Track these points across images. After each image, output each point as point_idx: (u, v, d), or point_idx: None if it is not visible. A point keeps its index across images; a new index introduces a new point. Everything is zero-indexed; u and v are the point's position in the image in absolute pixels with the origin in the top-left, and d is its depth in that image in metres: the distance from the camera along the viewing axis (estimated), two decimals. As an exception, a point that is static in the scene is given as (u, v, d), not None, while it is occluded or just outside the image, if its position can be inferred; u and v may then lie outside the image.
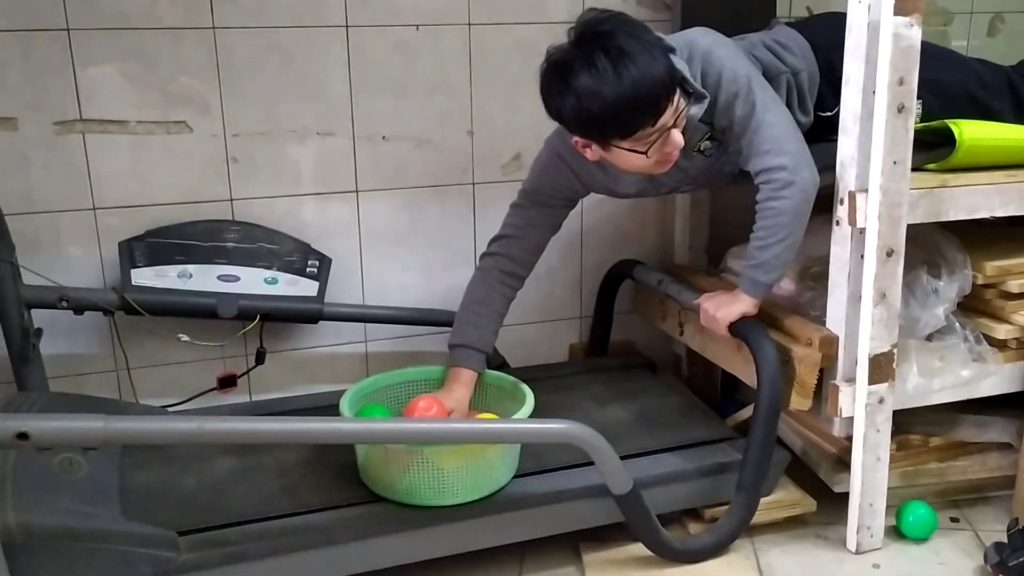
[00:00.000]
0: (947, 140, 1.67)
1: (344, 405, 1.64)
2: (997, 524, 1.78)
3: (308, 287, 1.96)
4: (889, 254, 1.58)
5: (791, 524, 1.79)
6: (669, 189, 1.79)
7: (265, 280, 1.93)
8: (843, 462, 1.78)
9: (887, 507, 1.72)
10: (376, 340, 2.16)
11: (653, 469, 1.69)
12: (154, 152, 1.91)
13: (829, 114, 1.71)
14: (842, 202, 1.61)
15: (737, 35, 1.76)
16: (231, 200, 1.98)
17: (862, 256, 1.60)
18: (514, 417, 1.60)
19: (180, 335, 1.92)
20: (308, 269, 1.97)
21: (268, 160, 1.99)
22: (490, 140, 2.13)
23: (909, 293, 1.72)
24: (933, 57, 1.62)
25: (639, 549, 1.66)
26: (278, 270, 1.95)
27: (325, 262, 2.00)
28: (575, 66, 1.45)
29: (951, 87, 1.79)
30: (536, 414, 1.63)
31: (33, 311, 1.81)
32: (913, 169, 1.57)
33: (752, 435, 1.64)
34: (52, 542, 1.34)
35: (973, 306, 1.81)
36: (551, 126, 1.75)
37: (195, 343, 1.94)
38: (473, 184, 2.14)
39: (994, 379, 1.77)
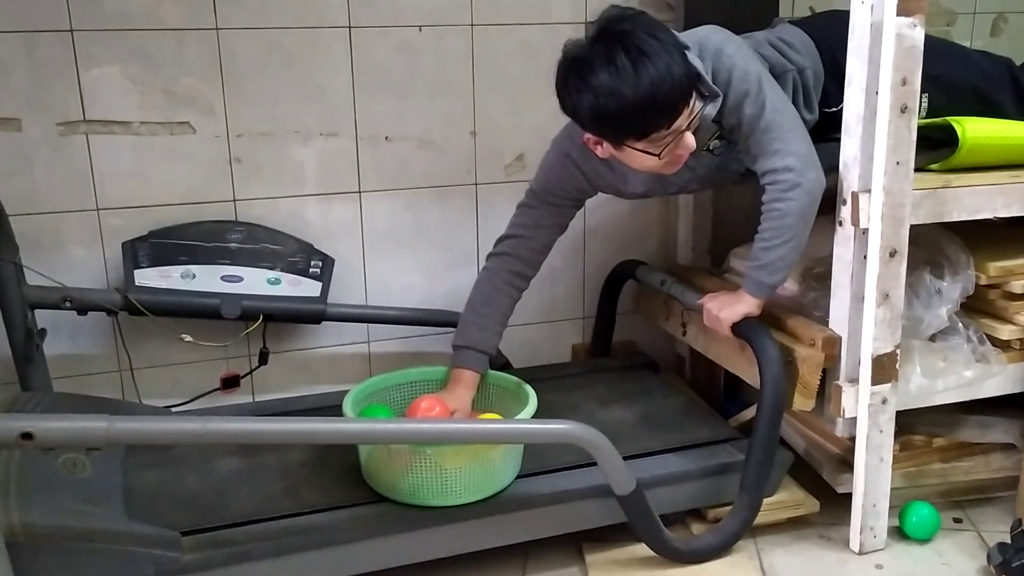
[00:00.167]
0: (950, 140, 1.67)
1: (347, 405, 1.64)
2: (1000, 525, 1.77)
3: (311, 287, 1.96)
4: (892, 255, 1.58)
5: (794, 525, 1.79)
6: (677, 189, 1.79)
7: (268, 280, 1.93)
8: (846, 463, 1.78)
9: (890, 508, 1.72)
10: (379, 340, 2.16)
11: (656, 469, 1.69)
12: (157, 153, 1.92)
13: (834, 110, 1.70)
14: (845, 203, 1.61)
15: (741, 34, 1.76)
16: (234, 201, 1.99)
17: (865, 257, 1.60)
18: (517, 417, 1.61)
19: (183, 335, 1.92)
20: (311, 270, 1.97)
21: (271, 161, 1.99)
22: (493, 141, 2.13)
23: (912, 294, 1.72)
24: (936, 52, 1.62)
25: (642, 550, 1.66)
26: (281, 270, 1.95)
27: (328, 263, 2.00)
28: (594, 63, 1.44)
29: (955, 82, 1.79)
30: (539, 414, 1.62)
31: (37, 311, 1.81)
32: (916, 169, 1.57)
33: (755, 435, 1.64)
34: (56, 542, 1.34)
35: (976, 307, 1.81)
36: (554, 127, 1.76)
37: (198, 343, 1.95)
38: (476, 185, 2.14)
39: (997, 380, 1.77)
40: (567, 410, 1.87)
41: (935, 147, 1.69)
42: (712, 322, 1.75)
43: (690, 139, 1.53)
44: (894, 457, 1.71)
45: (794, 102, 1.69)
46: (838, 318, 1.67)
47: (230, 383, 2.07)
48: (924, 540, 1.76)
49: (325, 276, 1.98)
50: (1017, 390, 1.80)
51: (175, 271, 1.88)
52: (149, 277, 1.86)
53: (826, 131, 1.72)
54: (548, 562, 1.70)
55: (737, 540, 1.69)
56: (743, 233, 1.93)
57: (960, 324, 1.76)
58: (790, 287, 1.82)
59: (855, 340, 1.65)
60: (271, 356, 2.04)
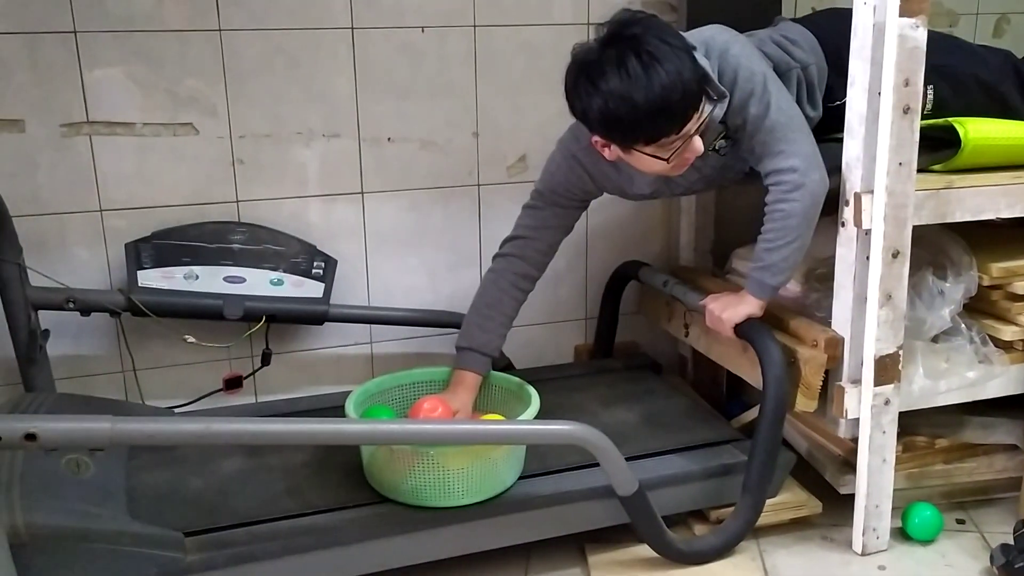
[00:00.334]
0: (952, 140, 1.66)
1: (349, 406, 1.64)
2: (1003, 526, 1.77)
3: (314, 288, 1.96)
4: (895, 255, 1.58)
5: (797, 526, 1.78)
6: (683, 190, 1.79)
7: (271, 281, 1.94)
8: (849, 464, 1.77)
9: (893, 509, 1.72)
10: (381, 341, 2.16)
11: (658, 470, 1.69)
12: (160, 154, 1.92)
13: (838, 103, 1.70)
14: (848, 203, 1.61)
15: (743, 33, 1.76)
16: (237, 202, 1.99)
17: (868, 257, 1.60)
18: (520, 418, 1.61)
19: (186, 336, 1.93)
20: (314, 270, 1.98)
21: (274, 162, 1.99)
22: (495, 142, 2.13)
23: (915, 294, 1.72)
24: (938, 44, 1.62)
25: (644, 550, 1.66)
26: (284, 271, 1.95)
27: (331, 263, 2.00)
28: (606, 68, 1.44)
29: (960, 71, 1.78)
30: (541, 415, 1.63)
31: (40, 312, 1.81)
32: (918, 170, 1.57)
33: (757, 436, 1.64)
34: (59, 542, 1.34)
35: (979, 307, 1.80)
36: (556, 127, 1.76)
37: (201, 344, 1.95)
38: (478, 186, 2.15)
39: (1000, 381, 1.77)
40: (569, 411, 1.87)
41: (938, 148, 1.69)
42: (714, 323, 1.75)
43: (698, 143, 1.53)
44: (897, 458, 1.70)
45: (798, 99, 1.69)
46: (841, 319, 1.67)
47: (233, 384, 2.07)
48: (927, 541, 1.75)
49: (328, 277, 1.98)
50: (1020, 391, 1.80)
51: (178, 272, 1.88)
52: (152, 278, 1.86)
53: (831, 126, 1.71)
54: (550, 563, 1.70)
55: (739, 541, 1.69)
56: (745, 234, 1.93)
57: (963, 325, 1.76)
58: (793, 288, 1.82)
59: (858, 341, 1.65)
60: (274, 357, 2.05)
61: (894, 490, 1.71)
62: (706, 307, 1.77)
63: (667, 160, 1.53)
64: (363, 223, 2.09)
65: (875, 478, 1.68)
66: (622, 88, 1.43)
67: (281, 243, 1.98)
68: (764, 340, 1.65)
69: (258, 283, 1.92)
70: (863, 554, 1.72)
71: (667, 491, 1.67)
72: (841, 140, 1.62)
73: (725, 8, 1.97)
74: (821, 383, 1.66)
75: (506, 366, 2.05)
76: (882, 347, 1.62)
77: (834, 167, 1.62)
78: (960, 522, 1.83)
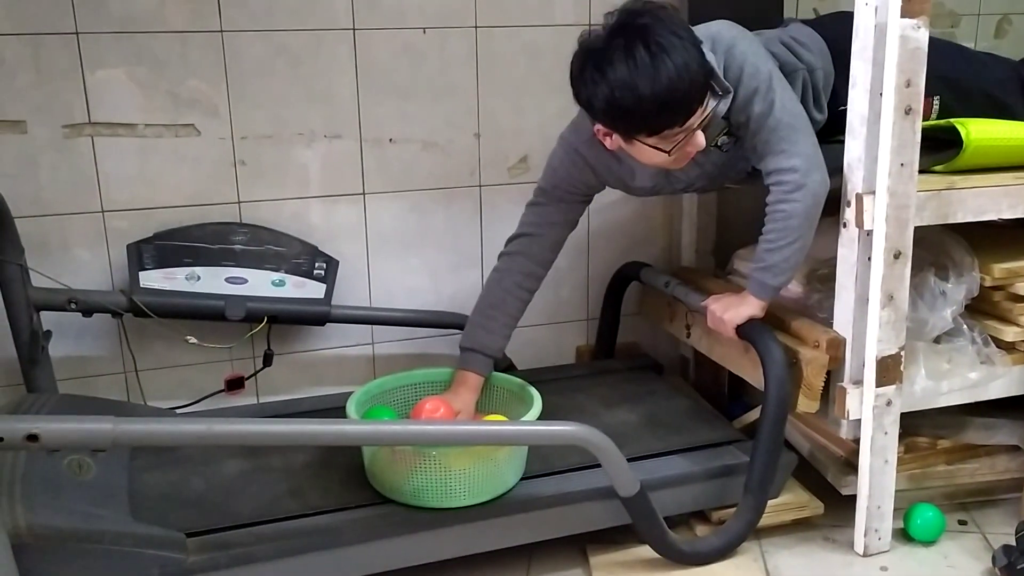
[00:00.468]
0: (954, 141, 1.66)
1: (351, 407, 1.64)
2: (1005, 527, 1.77)
3: (315, 289, 1.96)
4: (896, 256, 1.58)
5: (798, 527, 1.78)
6: (684, 186, 1.78)
7: (273, 282, 1.94)
8: (851, 464, 1.77)
9: (895, 510, 1.72)
10: (383, 342, 2.16)
11: (660, 471, 1.69)
12: (162, 155, 1.92)
13: (843, 109, 1.70)
14: (849, 204, 1.60)
15: (752, 32, 1.75)
16: (239, 203, 1.99)
17: (869, 258, 1.60)
18: (522, 419, 1.61)
19: (188, 337, 1.93)
20: (315, 271, 1.98)
21: (275, 163, 1.99)
22: (497, 142, 2.13)
23: (916, 295, 1.72)
24: (947, 54, 1.61)
25: (646, 551, 1.66)
26: (285, 272, 1.95)
27: (332, 264, 2.00)
28: (613, 56, 1.43)
29: (967, 84, 1.78)
30: (543, 416, 1.63)
31: (42, 313, 1.81)
32: (920, 171, 1.57)
33: (759, 437, 1.64)
34: (61, 543, 1.34)
35: (981, 308, 1.80)
36: (557, 128, 1.76)
37: (203, 345, 1.95)
38: (480, 187, 2.15)
39: (1002, 381, 1.76)
40: (571, 412, 1.87)
41: (939, 149, 1.68)
42: (716, 324, 1.75)
43: (700, 137, 1.53)
44: (899, 459, 1.71)
45: (803, 101, 1.69)
46: (842, 320, 1.67)
47: (234, 385, 2.07)
48: (929, 542, 1.75)
49: (329, 278, 1.98)
50: (1022, 392, 1.80)
51: (180, 273, 1.88)
52: (154, 279, 1.86)
53: (837, 130, 1.71)
54: (552, 564, 1.70)
55: (741, 542, 1.69)
56: (747, 235, 1.93)
57: (965, 326, 1.76)
58: (794, 289, 1.82)
59: (859, 342, 1.65)
60: (275, 358, 2.05)
61: (896, 491, 1.71)
62: (708, 308, 1.77)
63: (668, 152, 1.52)
64: (364, 224, 2.09)
65: (877, 479, 1.68)
66: (629, 78, 1.42)
67: (283, 244, 1.98)
68: (766, 341, 1.65)
69: (260, 284, 1.92)
70: (865, 555, 1.71)
71: (669, 492, 1.67)
72: (843, 141, 1.62)
73: (726, 8, 1.97)
74: (823, 384, 1.66)
75: (508, 367, 2.05)
76: (884, 348, 1.62)
77: (836, 168, 1.62)
78: (962, 523, 1.82)
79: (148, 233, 1.91)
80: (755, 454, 1.64)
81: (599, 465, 1.52)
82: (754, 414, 1.82)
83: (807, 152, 1.59)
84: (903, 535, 1.76)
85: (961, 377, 1.73)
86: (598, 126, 1.57)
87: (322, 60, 1.97)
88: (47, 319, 1.84)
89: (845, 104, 1.69)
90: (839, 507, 1.78)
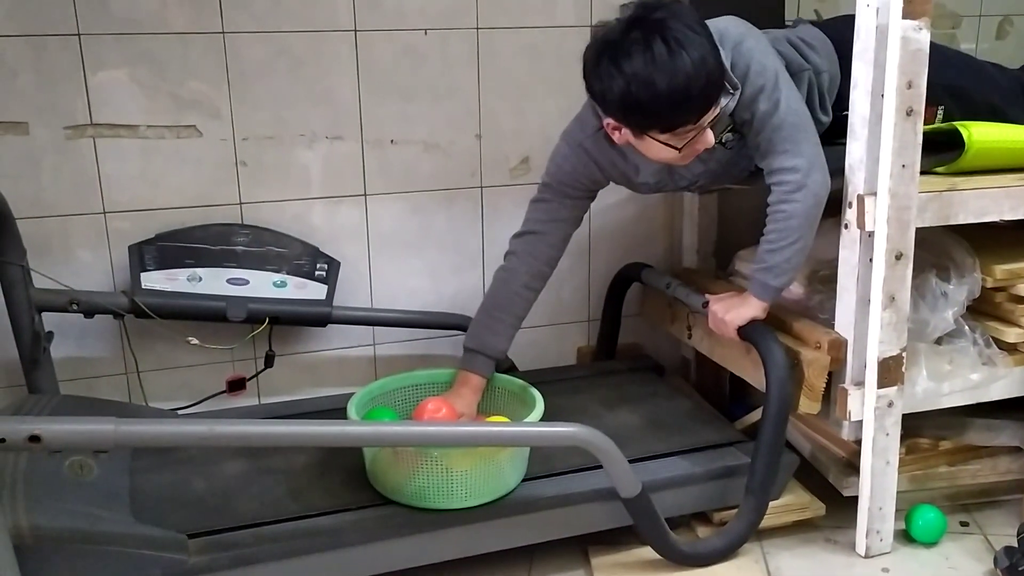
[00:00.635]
0: (956, 143, 1.66)
1: (352, 408, 1.64)
2: (1007, 528, 1.77)
3: (317, 290, 1.96)
4: (898, 257, 1.58)
5: (800, 528, 1.78)
6: (687, 183, 1.77)
7: (274, 283, 1.94)
8: (852, 466, 1.77)
9: (896, 511, 1.72)
10: (384, 343, 2.17)
11: (661, 472, 1.69)
12: (164, 156, 1.92)
13: (847, 113, 1.70)
14: (851, 205, 1.60)
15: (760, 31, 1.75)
16: (240, 204, 1.99)
17: (871, 259, 1.60)
18: (523, 420, 1.61)
19: (189, 338, 1.93)
20: (317, 272, 1.98)
21: (277, 164, 1.99)
22: (498, 143, 2.13)
23: (918, 296, 1.72)
24: (954, 63, 1.61)
25: (647, 553, 1.66)
26: (287, 273, 1.95)
27: (334, 265, 2.00)
28: (631, 50, 1.41)
29: (972, 94, 1.78)
30: (544, 417, 1.63)
31: (44, 314, 1.81)
32: (922, 172, 1.57)
33: (761, 438, 1.64)
34: (62, 544, 1.34)
35: (982, 309, 1.80)
36: (559, 129, 1.76)
37: (204, 346, 1.95)
38: (481, 188, 2.15)
39: (1004, 383, 1.76)
40: (572, 413, 1.86)
41: (941, 150, 1.69)
42: (717, 325, 1.75)
43: (709, 134, 1.53)
44: (900, 460, 1.70)
45: (808, 102, 1.68)
46: (844, 321, 1.67)
47: (236, 386, 2.07)
48: (930, 544, 1.75)
49: (331, 279, 1.98)
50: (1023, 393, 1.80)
51: (181, 274, 1.88)
52: (155, 280, 1.87)
53: (840, 133, 1.71)
54: (553, 565, 1.70)
55: (743, 543, 1.69)
56: (748, 236, 1.93)
57: (966, 327, 1.76)
58: (796, 290, 1.82)
59: (861, 343, 1.65)
60: (277, 359, 2.05)
61: (897, 492, 1.71)
62: (709, 309, 1.77)
63: (679, 149, 1.52)
64: (366, 225, 2.09)
65: (878, 480, 1.68)
66: (646, 72, 1.41)
67: (284, 245, 1.98)
68: (767, 342, 1.65)
69: (261, 285, 1.93)
70: (866, 556, 1.71)
71: (670, 493, 1.67)
72: (845, 143, 1.62)
73: (728, 8, 1.97)
74: (824, 385, 1.66)
75: (509, 368, 2.05)
76: (885, 349, 1.62)
77: (837, 169, 1.62)
78: (964, 524, 1.82)
79: (150, 234, 1.91)
80: (756, 455, 1.64)
81: (600, 466, 1.52)
82: (755, 415, 1.82)
83: (809, 152, 1.59)
84: (905, 536, 1.76)
85: (963, 378, 1.73)
86: (608, 120, 1.55)
87: (323, 61, 1.97)
88: (49, 320, 1.84)
89: (848, 107, 1.69)
90: (840, 508, 1.78)
